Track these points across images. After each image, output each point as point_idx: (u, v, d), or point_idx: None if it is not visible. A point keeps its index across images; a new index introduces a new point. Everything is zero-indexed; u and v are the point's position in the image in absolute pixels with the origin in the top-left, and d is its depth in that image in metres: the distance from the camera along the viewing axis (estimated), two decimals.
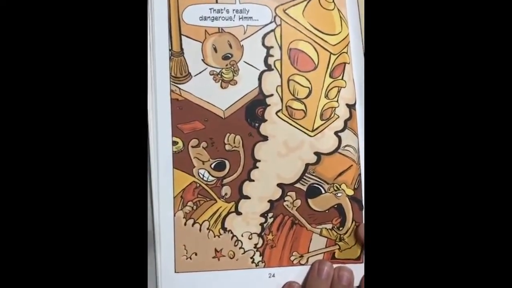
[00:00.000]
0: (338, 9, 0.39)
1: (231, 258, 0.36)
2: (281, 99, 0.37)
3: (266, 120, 0.37)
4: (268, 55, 0.37)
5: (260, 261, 0.36)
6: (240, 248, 0.36)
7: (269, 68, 0.37)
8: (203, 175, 0.36)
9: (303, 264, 0.37)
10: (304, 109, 0.37)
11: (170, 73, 0.36)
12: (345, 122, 0.38)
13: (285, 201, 0.37)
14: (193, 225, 0.36)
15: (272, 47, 0.37)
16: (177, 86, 0.36)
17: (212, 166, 0.36)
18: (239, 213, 0.36)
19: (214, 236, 0.36)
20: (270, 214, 0.37)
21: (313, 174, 0.37)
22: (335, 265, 0.36)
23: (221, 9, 0.37)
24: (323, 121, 0.38)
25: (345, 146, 0.38)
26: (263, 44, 0.37)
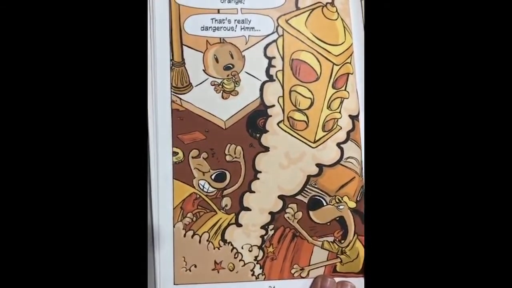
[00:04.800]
0: (342, 19, 0.38)
1: (231, 271, 0.36)
2: (283, 110, 0.37)
3: (267, 131, 0.37)
4: (270, 65, 0.37)
5: (260, 273, 0.36)
6: (240, 260, 0.36)
7: (270, 78, 0.37)
8: (203, 186, 0.36)
9: (304, 277, 0.36)
10: (306, 120, 0.37)
11: (171, 83, 0.36)
12: (348, 133, 0.37)
13: (286, 213, 0.36)
14: (192, 236, 0.35)
15: (274, 57, 0.37)
16: (178, 96, 0.36)
17: (213, 177, 0.36)
18: (239, 225, 0.36)
19: (214, 248, 0.36)
20: (271, 226, 0.36)
21: (315, 186, 0.37)
22: (337, 279, 0.36)
23: (223, 19, 0.37)
24: (325, 133, 0.37)
25: (348, 158, 0.37)
26: (265, 54, 0.37)
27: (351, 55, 0.38)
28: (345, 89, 0.38)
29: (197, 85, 0.36)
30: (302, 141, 0.37)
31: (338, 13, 0.38)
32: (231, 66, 0.37)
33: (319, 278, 0.36)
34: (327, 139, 0.37)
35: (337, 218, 0.37)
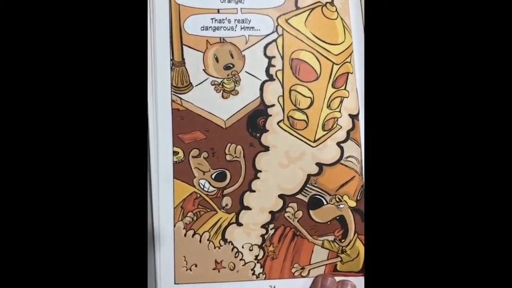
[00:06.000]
0: (342, 18, 0.38)
1: (232, 270, 0.36)
2: (283, 109, 0.37)
3: (267, 130, 0.37)
4: (269, 65, 0.37)
5: (260, 273, 0.36)
6: (241, 259, 0.36)
7: (270, 78, 0.37)
8: (203, 186, 0.36)
9: (304, 276, 0.36)
10: (306, 119, 0.37)
11: (171, 83, 0.36)
12: (348, 132, 0.37)
13: (286, 212, 0.36)
14: (193, 236, 0.35)
15: (274, 57, 0.37)
16: (178, 96, 0.36)
17: (213, 176, 0.36)
18: (239, 224, 0.36)
19: (215, 248, 0.36)
20: (271, 226, 0.36)
21: (315, 185, 0.37)
22: (337, 279, 0.36)
23: (223, 19, 0.37)
24: (325, 132, 0.37)
25: (348, 157, 0.37)
26: (264, 54, 0.37)
27: (350, 54, 0.38)
28: (345, 88, 0.38)
29: (197, 85, 0.36)
30: (302, 140, 0.37)
31: (337, 13, 0.38)
32: (231, 66, 0.37)
33: (320, 277, 0.36)
34: (327, 138, 0.37)
35: (338, 217, 0.37)
